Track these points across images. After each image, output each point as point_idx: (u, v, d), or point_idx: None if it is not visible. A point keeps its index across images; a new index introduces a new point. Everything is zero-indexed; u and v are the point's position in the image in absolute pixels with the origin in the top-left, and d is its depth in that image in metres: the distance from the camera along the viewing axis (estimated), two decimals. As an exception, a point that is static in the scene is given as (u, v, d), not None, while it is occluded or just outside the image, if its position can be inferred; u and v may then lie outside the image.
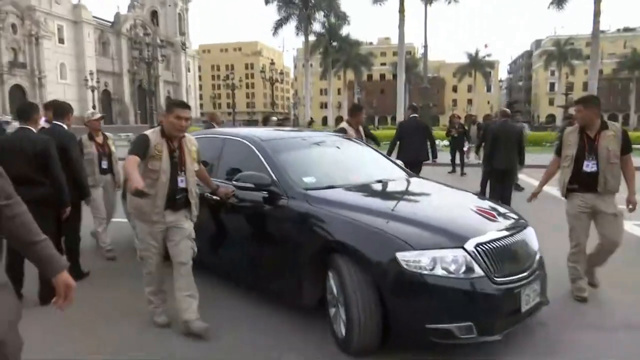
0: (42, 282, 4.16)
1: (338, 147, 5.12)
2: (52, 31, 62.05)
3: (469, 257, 3.18)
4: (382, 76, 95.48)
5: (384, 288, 3.21)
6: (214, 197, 4.24)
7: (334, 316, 3.46)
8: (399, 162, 5.42)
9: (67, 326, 3.76)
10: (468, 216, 3.66)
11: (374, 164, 5.00)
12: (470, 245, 3.21)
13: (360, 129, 6.89)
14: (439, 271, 3.13)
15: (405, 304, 3.20)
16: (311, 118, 33.29)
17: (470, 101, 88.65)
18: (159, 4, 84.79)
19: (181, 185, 3.65)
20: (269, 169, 4.11)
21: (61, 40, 64.40)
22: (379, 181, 4.44)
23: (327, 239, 3.52)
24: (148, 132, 3.69)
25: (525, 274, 3.41)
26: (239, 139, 4.71)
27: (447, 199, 4.29)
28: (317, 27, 42.69)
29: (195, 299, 3.69)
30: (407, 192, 4.47)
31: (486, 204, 4.11)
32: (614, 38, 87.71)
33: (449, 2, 29.48)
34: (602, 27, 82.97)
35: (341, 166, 4.72)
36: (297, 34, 40.72)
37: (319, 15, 40.84)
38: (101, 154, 5.68)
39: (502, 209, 4.05)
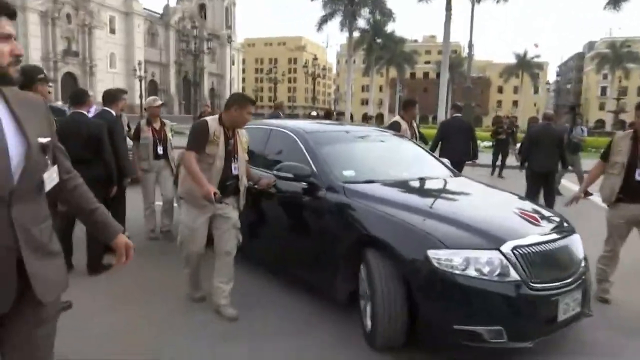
0: (90, 255, 4.48)
1: (382, 142, 5.14)
2: (104, 21, 64.23)
3: (504, 260, 3.09)
4: (426, 74, 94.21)
5: (413, 285, 3.17)
6: (256, 186, 4.32)
7: (363, 310, 3.47)
8: (445, 160, 5.34)
9: (111, 296, 4.03)
10: (508, 218, 3.57)
11: (418, 161, 4.97)
12: (507, 247, 3.12)
13: (414, 124, 6.86)
14: (471, 272, 3.06)
15: (434, 302, 3.14)
16: (351, 114, 33.27)
17: (515, 103, 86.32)
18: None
19: (234, 172, 3.81)
20: (310, 160, 4.15)
21: (112, 31, 66.59)
22: (421, 178, 4.40)
23: (361, 232, 3.53)
24: (208, 118, 3.83)
25: (566, 281, 3.28)
26: (283, 129, 4.78)
27: (489, 199, 4.20)
28: (361, 23, 42.59)
29: (230, 285, 3.85)
30: (447, 190, 4.38)
31: (530, 206, 3.98)
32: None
33: (498, 1, 28.73)
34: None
35: (383, 161, 4.69)
36: (342, 30, 40.66)
37: (364, 12, 40.68)
38: (157, 139, 5.81)
39: (546, 213, 3.93)
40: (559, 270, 3.32)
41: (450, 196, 4.26)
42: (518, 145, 13.58)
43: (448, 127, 8.51)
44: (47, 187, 1.63)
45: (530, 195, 7.50)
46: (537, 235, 3.31)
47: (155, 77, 74.75)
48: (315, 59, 45.06)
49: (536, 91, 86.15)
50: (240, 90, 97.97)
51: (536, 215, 3.63)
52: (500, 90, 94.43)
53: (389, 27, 48.20)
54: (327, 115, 10.57)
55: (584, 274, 3.51)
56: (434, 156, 5.31)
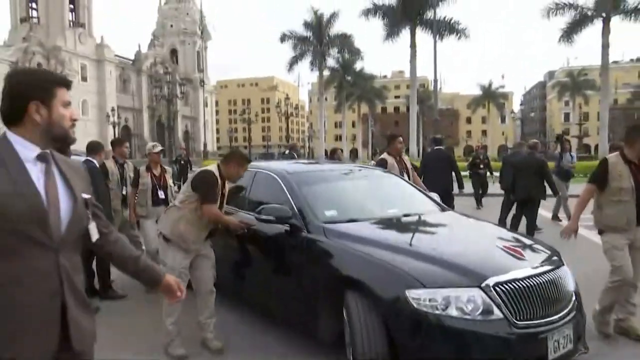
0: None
1: (367, 180, 5.14)
2: (75, 70, 64.41)
3: (487, 298, 2.96)
4: (397, 109, 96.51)
5: (392, 326, 3.05)
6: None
7: (347, 351, 3.35)
8: (434, 195, 5.26)
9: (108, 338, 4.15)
10: (491, 253, 3.43)
11: (403, 197, 4.87)
12: (488, 285, 2.99)
13: (405, 158, 6.87)
14: (452, 311, 2.93)
15: (414, 344, 3.00)
16: (325, 151, 33.85)
17: (484, 132, 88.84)
18: (179, 42, 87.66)
19: None
20: (291, 201, 4.12)
21: (84, 79, 66.73)
22: (406, 215, 4.30)
23: (340, 273, 3.44)
24: (213, 170, 4.10)
25: (554, 317, 3.13)
26: (267, 171, 4.82)
27: (473, 234, 4.10)
28: (331, 62, 43.86)
29: (214, 319, 4.07)
30: (432, 226, 4.25)
31: (515, 239, 3.85)
32: (627, 68, 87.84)
33: (459, 38, 30.19)
34: (615, 58, 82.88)
35: (367, 199, 4.64)
36: (312, 69, 41.83)
37: (333, 52, 41.96)
38: (156, 185, 5.90)
39: (533, 245, 3.80)
40: (546, 306, 3.13)
41: (432, 232, 4.16)
42: (496, 174, 13.72)
43: (428, 160, 8.91)
44: (94, 238, 1.79)
45: (515, 222, 8.11)
46: (521, 270, 3.17)
47: (129, 122, 74.67)
48: (287, 98, 46.08)
49: (503, 120, 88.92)
50: (215, 133, 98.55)
51: (520, 249, 3.48)
52: (469, 120, 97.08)
53: (358, 65, 49.66)
54: (332, 153, 10.59)
55: (576, 309, 3.37)
56: (421, 191, 5.22)
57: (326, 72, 44.54)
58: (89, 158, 5.51)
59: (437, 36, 30.60)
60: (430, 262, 3.20)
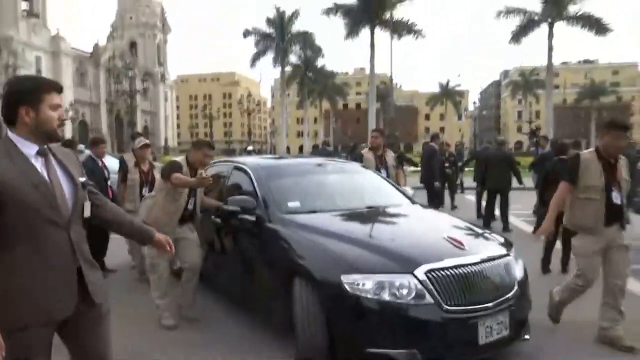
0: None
1: (337, 174, 5.30)
2: (29, 62, 62.43)
3: (418, 284, 3.10)
4: (358, 105, 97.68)
5: (328, 309, 3.23)
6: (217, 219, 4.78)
7: None
8: (408, 189, 5.44)
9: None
10: (432, 242, 3.55)
11: (373, 191, 4.99)
12: (420, 271, 3.13)
13: (389, 154, 6.80)
14: (385, 296, 3.08)
15: (347, 326, 3.18)
16: (287, 147, 34.50)
17: (442, 129, 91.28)
18: (138, 35, 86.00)
19: (190, 207, 4.48)
20: (258, 193, 4.36)
21: (39, 71, 64.67)
22: (370, 207, 4.45)
23: (290, 261, 3.65)
24: (180, 159, 4.57)
25: (487, 304, 3.23)
26: (242, 165, 5.06)
27: (425, 225, 4.21)
28: (293, 59, 44.25)
29: (189, 300, 4.54)
30: (387, 218, 4.40)
31: (465, 231, 3.94)
32: (576, 69, 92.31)
33: (416, 38, 31.35)
34: (565, 59, 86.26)
35: (333, 192, 4.77)
36: (275, 65, 42.24)
37: (295, 49, 42.52)
38: (144, 181, 5.97)
39: (482, 237, 3.94)
40: (479, 293, 3.24)
41: (384, 223, 4.30)
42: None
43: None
44: (87, 214, 2.14)
45: (489, 210, 9.26)
46: (456, 258, 3.27)
47: (86, 117, 72.85)
48: (249, 95, 46.29)
49: (460, 117, 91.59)
50: (175, 128, 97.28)
51: (463, 240, 3.53)
52: (427, 117, 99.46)
53: (320, 62, 50.25)
54: (353, 147, 10.75)
55: (517, 297, 3.45)
56: (393, 185, 5.33)
57: (288, 69, 45.05)
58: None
59: (395, 36, 31.83)
60: (368, 250, 3.38)
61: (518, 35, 30.08)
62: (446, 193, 12.04)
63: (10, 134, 1.98)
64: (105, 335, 2.16)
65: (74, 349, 2.13)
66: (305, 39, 41.25)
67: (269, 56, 41.10)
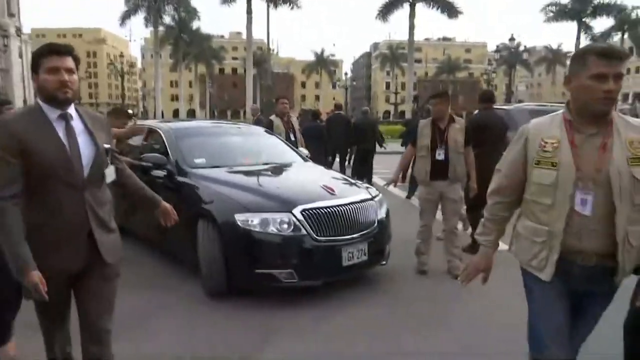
0: None
1: (241, 136, 6.03)
2: None
3: (295, 220, 3.88)
4: (234, 70, 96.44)
5: (225, 242, 3.90)
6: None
7: None
8: (303, 150, 6.20)
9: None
10: (309, 189, 4.33)
11: (270, 150, 5.69)
12: (297, 210, 3.93)
13: (293, 120, 7.35)
14: (269, 229, 3.84)
15: (239, 254, 3.90)
16: (162, 112, 33.83)
17: (317, 97, 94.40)
18: (-20, -21, 75.16)
19: None
20: (169, 151, 4.96)
21: None
22: (266, 164, 5.16)
23: (195, 206, 4.25)
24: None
25: (349, 236, 4.05)
26: (156, 128, 5.61)
27: (306, 177, 4.96)
28: (167, 20, 42.92)
29: None
30: (277, 172, 5.08)
31: (340, 181, 4.81)
32: (436, 46, 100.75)
33: (292, 8, 32.46)
34: (427, 35, 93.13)
35: (235, 151, 5.41)
36: (147, 25, 40.63)
37: (169, 9, 41.18)
38: None
39: (353, 186, 4.75)
40: (343, 227, 4.06)
41: (274, 175, 4.99)
42: None
43: (330, 123, 10.90)
44: (108, 180, 2.23)
45: (360, 170, 10.41)
46: (326, 201, 4.10)
47: None
48: (121, 55, 43.84)
49: (334, 86, 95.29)
50: (30, 87, 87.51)
51: (335, 187, 4.36)
52: (303, 85, 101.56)
53: (195, 24, 49.12)
54: (315, 115, 10.78)
55: (376, 232, 4.29)
56: (290, 147, 6.04)
57: (161, 29, 43.50)
58: None
59: (272, 4, 32.66)
60: (257, 194, 4.14)
61: (385, 13, 32.61)
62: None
63: (39, 99, 2.10)
64: (109, 296, 2.26)
65: (79, 304, 2.25)
66: (180, -1, 40.16)
67: (140, 15, 39.55)
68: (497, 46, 43.12)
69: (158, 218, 2.69)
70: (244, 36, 33.62)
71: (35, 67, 2.07)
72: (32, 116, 2.04)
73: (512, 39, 30.79)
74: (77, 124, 2.12)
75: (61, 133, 2.05)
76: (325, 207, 4.04)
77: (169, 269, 4.93)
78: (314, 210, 3.98)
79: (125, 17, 39.05)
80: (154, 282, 4.63)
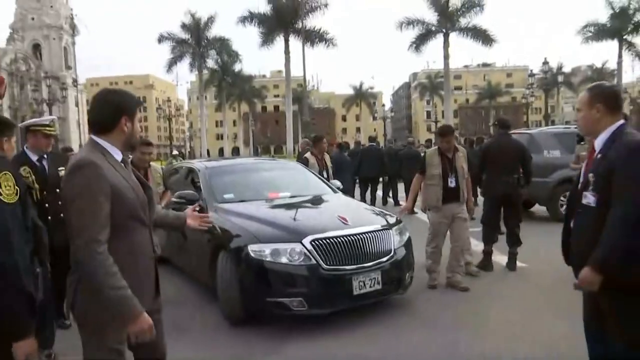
0: None
1: (272, 172, 6.31)
2: None
3: (305, 250, 4.01)
4: (276, 107, 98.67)
5: (240, 271, 4.09)
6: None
7: None
8: (336, 182, 6.36)
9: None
10: (323, 219, 4.51)
11: (300, 184, 5.90)
12: (307, 240, 4.05)
13: (326, 157, 7.65)
14: (279, 259, 3.98)
15: (251, 283, 4.07)
16: (208, 151, 35.09)
17: (358, 129, 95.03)
18: (42, 37, 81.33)
19: None
20: (202, 187, 5.35)
21: None
22: (293, 196, 5.39)
23: (217, 239, 4.51)
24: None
25: (359, 265, 4.11)
26: (194, 167, 6.14)
27: (325, 208, 5.18)
28: (210, 63, 44.43)
29: None
30: (299, 204, 5.22)
31: (353, 212, 4.84)
32: (476, 72, 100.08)
33: (328, 46, 33.37)
34: (466, 62, 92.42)
35: (264, 186, 5.65)
36: (191, 70, 42.49)
37: (212, 54, 42.93)
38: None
39: (370, 216, 4.85)
40: (353, 257, 4.13)
41: (294, 207, 5.07)
42: None
43: (363, 155, 11.98)
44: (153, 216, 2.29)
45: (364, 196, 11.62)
46: (337, 231, 4.19)
47: (-13, 123, 68.12)
48: (168, 100, 45.96)
49: (374, 118, 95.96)
50: (86, 133, 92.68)
51: (348, 217, 4.44)
52: (344, 118, 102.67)
53: (237, 67, 50.82)
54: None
55: (392, 261, 4.33)
56: (323, 181, 6.26)
57: (206, 73, 45.44)
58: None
59: (308, 44, 33.75)
60: (272, 226, 4.31)
61: (418, 44, 32.93)
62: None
63: (99, 140, 2.04)
64: (161, 327, 2.28)
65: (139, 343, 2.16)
66: (222, 44, 41.90)
67: (186, 61, 41.29)
68: (531, 71, 42.52)
69: (192, 228, 2.65)
70: (285, 74, 34.67)
71: (132, 114, 2.08)
72: (106, 158, 2.01)
73: (545, 63, 30.36)
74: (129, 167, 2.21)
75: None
76: (336, 237, 4.13)
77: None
78: (323, 240, 4.08)
79: (171, 64, 40.96)
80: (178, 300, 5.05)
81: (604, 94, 2.45)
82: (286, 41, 32.93)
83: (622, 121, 2.42)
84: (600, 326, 2.42)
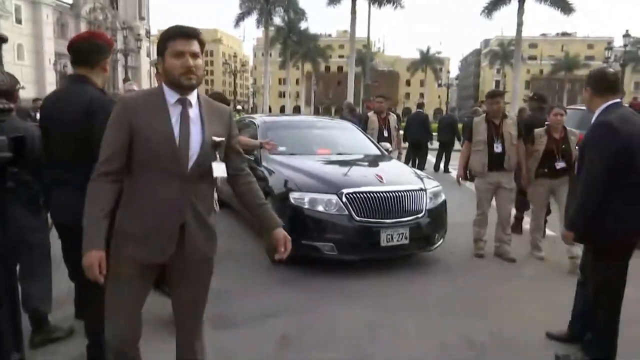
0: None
1: (324, 130, 6.72)
2: (9, 11, 61.40)
3: (340, 201, 4.42)
4: (340, 68, 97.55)
5: (280, 216, 3.95)
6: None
7: None
8: (386, 144, 6.59)
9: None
10: (359, 176, 4.89)
11: (349, 143, 6.22)
12: (342, 193, 4.47)
13: (391, 117, 7.79)
14: (317, 207, 4.43)
15: (291, 226, 4.03)
16: (269, 107, 35.64)
17: (422, 95, 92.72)
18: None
19: None
20: (259, 139, 5.56)
21: (18, 21, 63.74)
22: (339, 154, 5.78)
23: (264, 186, 4.79)
24: None
25: (389, 220, 4.44)
26: (253, 120, 6.67)
27: (367, 166, 5.52)
28: (277, 20, 44.78)
29: None
30: (344, 161, 5.50)
31: (391, 172, 5.20)
32: (553, 41, 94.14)
33: (395, 7, 32.57)
34: (544, 31, 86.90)
35: (314, 142, 6.05)
36: (258, 26, 42.85)
37: (279, 10, 43.05)
38: None
39: (410, 176, 5.20)
40: (383, 211, 4.49)
41: (338, 164, 5.38)
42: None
43: (409, 121, 12.93)
44: (214, 175, 2.00)
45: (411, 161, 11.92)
46: (371, 187, 4.58)
47: (67, 68, 72.28)
48: (235, 55, 46.75)
49: (440, 85, 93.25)
50: (155, 83, 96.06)
51: (384, 175, 4.84)
52: (408, 83, 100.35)
53: (303, 25, 50.67)
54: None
55: (421, 219, 4.63)
56: (372, 141, 6.52)
57: (272, 29, 45.73)
58: None
59: (376, 4, 33.07)
60: (313, 178, 4.72)
61: (490, 9, 31.51)
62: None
63: (163, 82, 2.00)
64: (195, 295, 2.16)
65: (172, 292, 2.20)
66: (289, 1, 41.87)
67: (253, 17, 41.59)
68: (608, 43, 39.48)
69: (269, 242, 2.29)
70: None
71: (161, 50, 1.97)
72: (151, 98, 1.98)
73: (626, 35, 28.11)
74: (194, 111, 2.00)
75: (174, 119, 1.94)
76: (369, 192, 4.51)
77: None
78: (357, 194, 4.48)
79: (239, 19, 41.48)
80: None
81: (590, 77, 2.94)
82: (353, 1, 32.37)
83: (611, 101, 2.84)
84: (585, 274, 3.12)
